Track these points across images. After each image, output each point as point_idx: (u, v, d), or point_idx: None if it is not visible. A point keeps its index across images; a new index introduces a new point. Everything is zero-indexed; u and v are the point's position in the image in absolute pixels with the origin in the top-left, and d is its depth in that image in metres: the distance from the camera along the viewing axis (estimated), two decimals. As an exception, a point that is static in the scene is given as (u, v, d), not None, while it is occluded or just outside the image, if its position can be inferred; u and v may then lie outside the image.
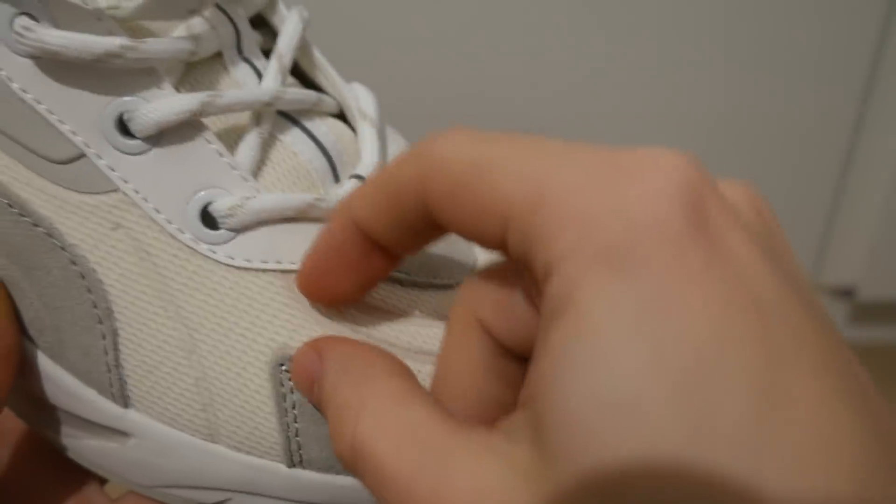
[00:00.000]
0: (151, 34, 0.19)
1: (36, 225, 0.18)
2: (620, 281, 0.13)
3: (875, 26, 0.61)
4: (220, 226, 0.19)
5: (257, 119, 0.20)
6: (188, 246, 0.19)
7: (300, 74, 0.22)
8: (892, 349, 0.72)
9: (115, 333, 0.19)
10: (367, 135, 0.21)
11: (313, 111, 0.21)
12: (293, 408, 0.19)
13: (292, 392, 0.19)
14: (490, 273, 0.17)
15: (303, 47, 0.22)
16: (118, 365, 0.19)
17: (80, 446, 0.20)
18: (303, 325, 0.19)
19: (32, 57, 0.18)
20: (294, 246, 0.19)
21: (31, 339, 0.20)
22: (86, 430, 0.20)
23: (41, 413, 0.20)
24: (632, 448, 0.12)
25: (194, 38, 0.19)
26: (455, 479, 0.14)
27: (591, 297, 0.13)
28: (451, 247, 0.21)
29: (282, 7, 0.22)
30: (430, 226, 0.16)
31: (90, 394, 0.19)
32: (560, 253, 0.13)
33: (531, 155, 0.14)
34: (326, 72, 0.22)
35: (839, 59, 0.62)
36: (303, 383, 0.18)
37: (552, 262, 0.13)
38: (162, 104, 0.18)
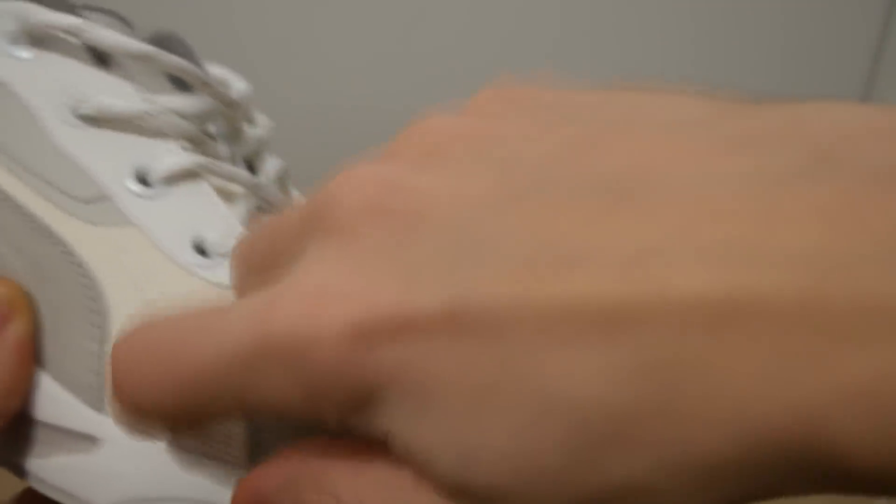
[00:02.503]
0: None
1: (55, 244, 0.22)
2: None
3: (875, 26, 0.60)
4: (211, 255, 0.23)
5: (246, 195, 0.25)
6: (186, 269, 0.23)
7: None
8: None
9: (106, 339, 0.22)
10: None
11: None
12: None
13: None
14: None
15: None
16: (104, 368, 0.21)
17: (46, 466, 0.21)
18: None
19: (80, 118, 0.23)
20: None
21: None
22: (54, 442, 0.21)
23: (14, 435, 0.22)
24: None
25: (199, 118, 0.25)
26: None
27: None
28: None
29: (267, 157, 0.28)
30: None
31: (71, 399, 0.21)
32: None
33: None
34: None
35: (839, 59, 0.61)
36: None
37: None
38: (171, 160, 0.24)
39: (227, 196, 0.25)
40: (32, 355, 0.21)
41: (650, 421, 0.12)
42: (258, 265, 0.18)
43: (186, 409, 0.16)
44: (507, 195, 0.14)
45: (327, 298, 0.14)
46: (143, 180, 0.23)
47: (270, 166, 0.27)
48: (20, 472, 0.22)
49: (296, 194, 0.28)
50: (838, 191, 0.12)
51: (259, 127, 0.27)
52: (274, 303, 0.15)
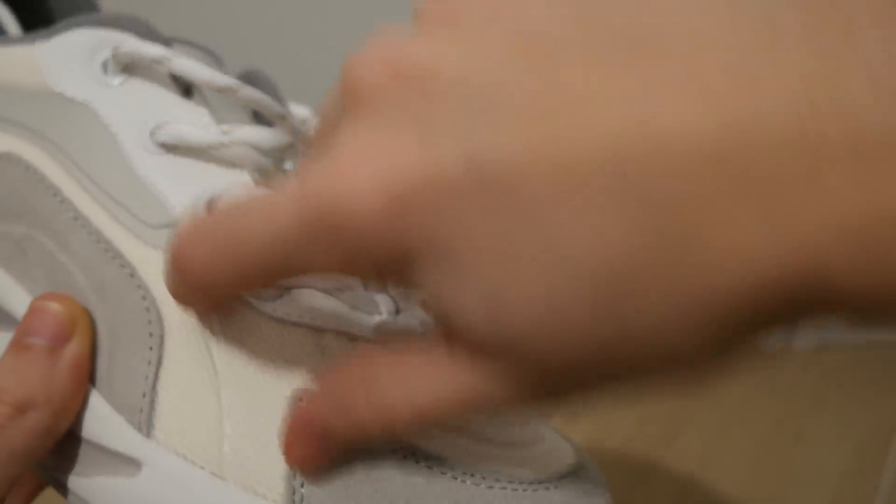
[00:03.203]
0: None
1: (123, 266, 0.22)
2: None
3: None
4: (270, 289, 0.22)
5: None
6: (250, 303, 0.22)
7: None
8: (893, 349, 0.72)
9: (159, 362, 0.21)
10: None
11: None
12: None
13: None
14: None
15: None
16: (154, 391, 0.21)
17: (88, 486, 0.21)
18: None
19: (160, 146, 0.23)
20: (326, 311, 0.22)
21: None
22: (98, 463, 0.21)
23: (59, 450, 0.22)
24: None
25: (275, 151, 0.25)
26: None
27: None
28: None
29: None
30: None
31: (118, 420, 0.21)
32: None
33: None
34: None
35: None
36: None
37: None
38: (241, 188, 0.23)
39: None
40: (88, 376, 0.22)
41: (662, 268, 0.13)
42: (315, 148, 0.19)
43: (244, 277, 0.18)
44: (518, 53, 0.14)
45: (356, 165, 0.15)
46: (211, 209, 0.23)
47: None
48: (62, 489, 0.22)
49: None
50: (839, 20, 0.12)
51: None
52: (312, 178, 0.16)
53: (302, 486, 0.20)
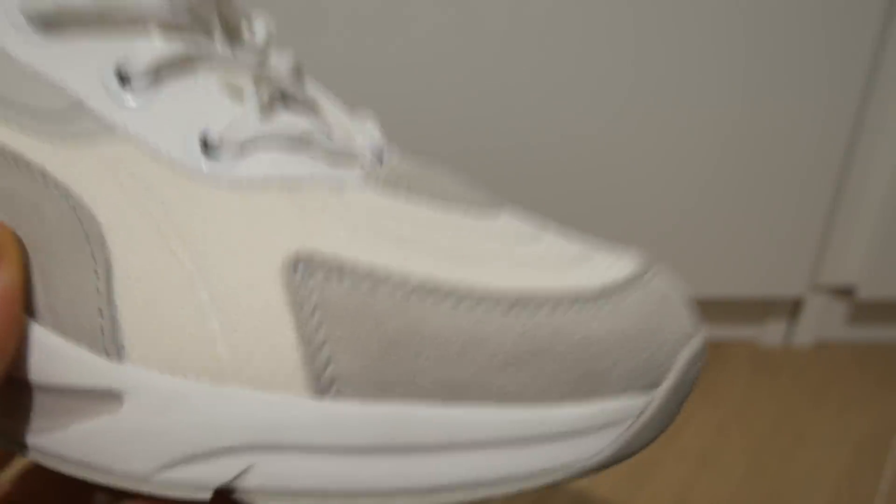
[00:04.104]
0: None
1: (28, 169, 0.18)
2: None
3: (874, 27, 0.61)
4: (222, 152, 0.19)
5: (257, 84, 0.20)
6: (191, 173, 0.19)
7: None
8: (892, 350, 0.72)
9: (108, 269, 0.18)
10: (366, 127, 0.22)
11: (304, 102, 0.22)
12: (314, 311, 0.17)
13: (313, 293, 0.17)
14: None
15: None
16: (111, 304, 0.17)
17: (63, 439, 0.18)
18: (316, 229, 0.18)
19: (34, 22, 0.19)
20: (299, 165, 0.19)
21: None
22: (65, 409, 0.18)
23: (12, 406, 0.18)
24: None
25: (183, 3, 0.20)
26: None
27: None
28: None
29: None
30: None
31: (77, 351, 0.17)
32: None
33: None
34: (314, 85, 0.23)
35: (838, 59, 0.62)
36: None
37: None
38: (152, 47, 0.19)
39: (234, 92, 0.20)
40: (21, 310, 0.17)
41: None
42: None
43: None
44: None
45: None
46: (124, 80, 0.19)
47: (282, 59, 0.22)
48: (26, 450, 0.18)
49: (315, 86, 0.23)
50: None
51: (261, 30, 0.22)
52: None
53: (327, 365, 0.17)
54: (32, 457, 0.18)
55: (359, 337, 0.17)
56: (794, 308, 0.72)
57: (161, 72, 0.19)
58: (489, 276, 0.18)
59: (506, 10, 0.57)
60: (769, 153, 0.64)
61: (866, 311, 0.73)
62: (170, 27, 0.20)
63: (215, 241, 0.18)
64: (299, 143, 0.20)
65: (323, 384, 0.17)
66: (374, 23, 0.55)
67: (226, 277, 0.18)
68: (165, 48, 0.19)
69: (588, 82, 0.59)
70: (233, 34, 0.22)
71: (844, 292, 0.72)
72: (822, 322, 0.72)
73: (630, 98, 0.60)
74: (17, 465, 0.23)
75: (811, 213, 0.67)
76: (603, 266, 0.19)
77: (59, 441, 0.18)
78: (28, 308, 0.18)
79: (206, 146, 0.19)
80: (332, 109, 0.22)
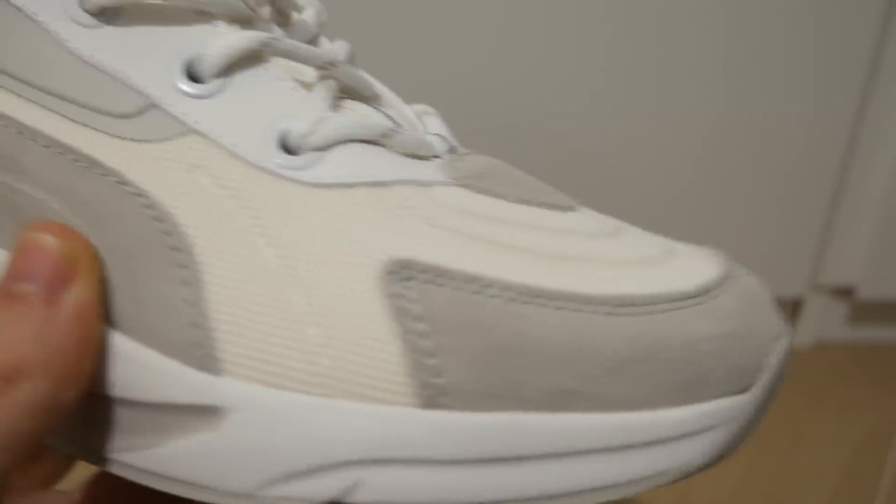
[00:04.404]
0: None
1: (105, 175, 0.17)
2: None
3: (874, 26, 0.61)
4: (302, 149, 0.18)
5: (324, 78, 0.20)
6: (273, 173, 0.18)
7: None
8: (892, 350, 0.72)
9: (199, 278, 0.17)
10: (428, 120, 0.22)
11: (372, 98, 0.21)
12: (419, 320, 0.17)
13: (415, 302, 0.17)
14: None
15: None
16: (205, 316, 0.17)
17: (157, 456, 0.17)
18: (411, 233, 0.17)
19: (94, 16, 0.18)
20: (383, 163, 0.18)
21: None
22: (166, 426, 0.17)
23: (99, 422, 0.17)
24: None
25: None
26: None
27: None
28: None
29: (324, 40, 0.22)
30: None
31: (172, 366, 0.17)
32: None
33: None
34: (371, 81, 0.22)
35: (838, 58, 0.62)
36: None
37: None
38: (223, 41, 0.18)
39: (303, 84, 0.19)
40: (95, 328, 0.17)
41: None
42: None
43: None
44: None
45: None
46: (194, 76, 0.18)
47: (338, 47, 0.21)
48: (114, 465, 0.17)
49: (370, 79, 0.22)
50: None
51: (310, 11, 0.22)
52: None
53: (436, 375, 0.16)
54: (121, 473, 0.18)
55: (466, 346, 0.16)
56: (793, 308, 0.72)
57: (233, 65, 0.18)
58: (586, 278, 0.17)
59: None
60: (769, 153, 0.64)
61: (866, 311, 0.73)
62: (237, 18, 0.19)
63: (307, 246, 0.17)
64: (380, 138, 0.19)
65: (431, 395, 0.16)
66: (375, 18, 0.55)
67: (321, 284, 0.17)
68: (239, 40, 0.18)
69: (586, 83, 0.59)
70: (284, 21, 0.21)
71: (844, 292, 0.72)
72: (821, 322, 0.72)
73: (630, 98, 0.60)
74: (78, 470, 0.22)
75: (811, 213, 0.67)
76: (690, 263, 0.19)
77: (154, 458, 0.17)
78: (116, 321, 0.17)
79: (285, 144, 0.18)
80: (394, 101, 0.22)
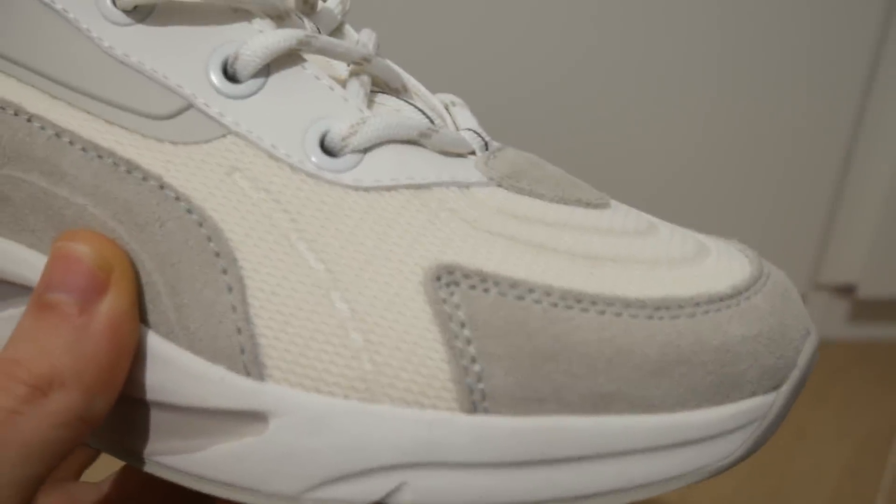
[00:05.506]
0: None
1: (145, 179, 0.17)
2: None
3: (874, 26, 0.61)
4: (342, 151, 0.18)
5: (357, 73, 0.19)
6: (313, 175, 0.17)
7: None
8: (893, 348, 0.72)
9: (242, 284, 0.17)
10: (457, 111, 0.21)
11: (401, 90, 0.21)
12: (463, 326, 0.17)
13: (459, 307, 0.17)
14: None
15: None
16: (248, 321, 0.17)
17: (201, 460, 0.17)
18: (453, 237, 0.17)
19: (127, 13, 0.18)
20: (421, 163, 0.18)
21: (140, 318, 0.18)
22: (210, 430, 0.17)
23: (140, 426, 0.17)
24: None
25: None
26: None
27: None
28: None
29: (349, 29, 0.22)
30: None
31: (217, 372, 0.17)
32: None
33: None
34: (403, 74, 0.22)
35: (838, 59, 0.62)
36: None
37: None
38: (262, 41, 0.18)
39: (338, 81, 0.19)
40: (129, 339, 0.17)
41: None
42: None
43: None
44: None
45: None
46: (231, 75, 0.18)
47: (365, 37, 0.21)
48: (156, 467, 0.17)
49: (399, 70, 0.21)
50: None
51: (336, 6, 0.21)
52: None
53: (479, 381, 0.16)
54: (159, 473, 0.18)
55: (509, 352, 0.16)
56: (794, 306, 0.72)
57: (271, 64, 0.18)
58: (626, 280, 0.18)
59: None
60: (770, 153, 0.64)
61: (867, 309, 0.73)
62: (271, 13, 0.19)
63: (349, 250, 0.17)
64: (418, 137, 0.19)
65: (475, 400, 0.16)
66: (383, 13, 0.55)
67: (364, 290, 0.17)
68: (277, 39, 0.18)
69: (594, 82, 0.59)
70: (310, 10, 0.20)
71: (845, 290, 0.72)
72: (822, 320, 0.72)
73: (629, 98, 0.61)
74: (100, 463, 0.22)
75: (812, 212, 0.67)
76: (723, 263, 0.19)
77: (196, 461, 0.17)
78: (158, 327, 0.17)
79: (325, 145, 0.18)
80: (422, 91, 0.21)
